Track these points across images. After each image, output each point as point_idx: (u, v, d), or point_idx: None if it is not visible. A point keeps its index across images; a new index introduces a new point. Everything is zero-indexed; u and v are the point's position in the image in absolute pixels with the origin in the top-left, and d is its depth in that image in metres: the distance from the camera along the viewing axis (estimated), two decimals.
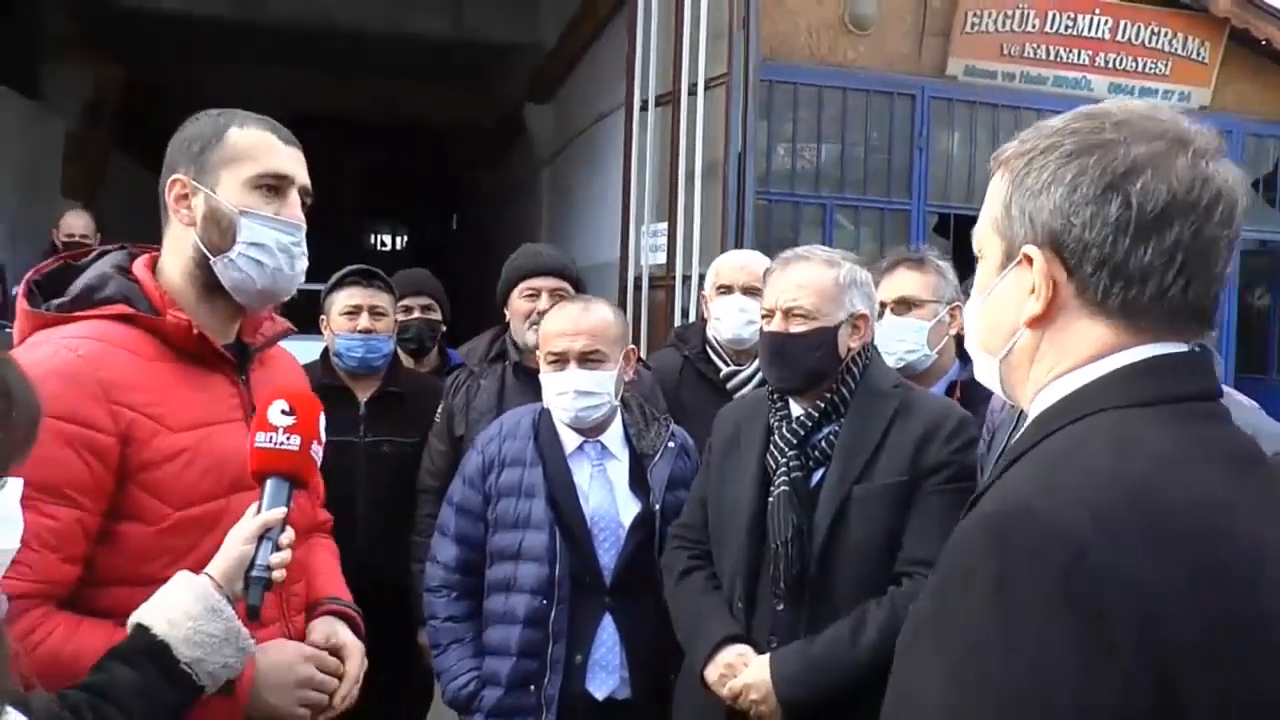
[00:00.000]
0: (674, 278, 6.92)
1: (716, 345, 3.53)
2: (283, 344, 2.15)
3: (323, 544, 2.24)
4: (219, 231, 1.83)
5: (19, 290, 1.84)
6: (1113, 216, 1.10)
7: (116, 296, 1.81)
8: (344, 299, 3.54)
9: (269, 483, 1.73)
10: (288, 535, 1.70)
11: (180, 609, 1.58)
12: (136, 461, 1.70)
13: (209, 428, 1.81)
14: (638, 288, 7.30)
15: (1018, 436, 1.22)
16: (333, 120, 17.49)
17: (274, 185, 1.86)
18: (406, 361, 4.04)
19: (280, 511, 1.70)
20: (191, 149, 1.85)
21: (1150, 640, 0.94)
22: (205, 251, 1.84)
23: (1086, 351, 1.14)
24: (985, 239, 1.24)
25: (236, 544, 1.67)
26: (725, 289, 3.50)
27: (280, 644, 1.84)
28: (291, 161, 1.89)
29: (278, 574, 1.67)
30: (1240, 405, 2.17)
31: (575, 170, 11.20)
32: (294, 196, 1.89)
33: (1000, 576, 0.98)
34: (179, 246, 1.87)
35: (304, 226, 1.91)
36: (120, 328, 1.77)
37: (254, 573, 1.65)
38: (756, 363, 3.25)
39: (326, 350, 3.62)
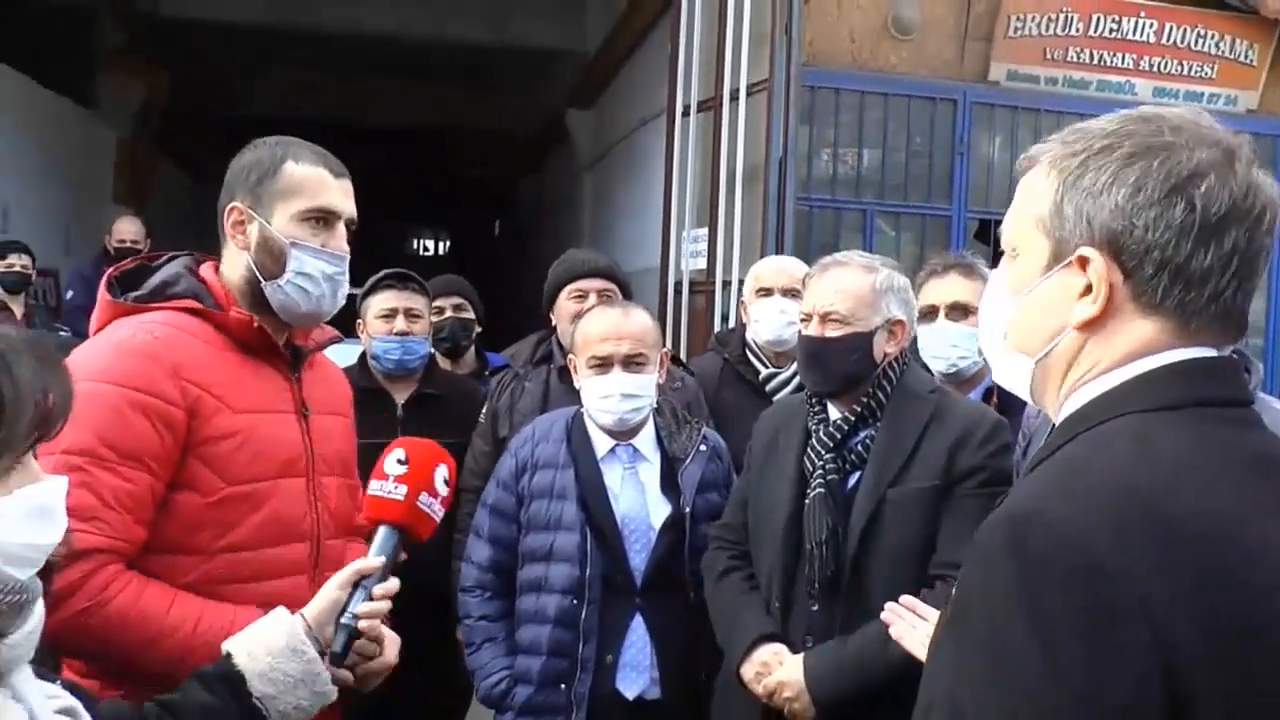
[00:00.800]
0: (714, 283, 6.94)
1: (756, 348, 3.56)
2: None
3: (359, 548, 2.32)
4: (271, 259, 2.01)
5: (100, 285, 2.02)
6: (1177, 219, 1.10)
7: (187, 292, 2.01)
8: (379, 302, 3.59)
9: (379, 530, 1.79)
10: (385, 585, 1.73)
11: (263, 644, 1.61)
12: (199, 435, 1.87)
13: (263, 414, 1.98)
14: (678, 293, 7.32)
15: (1046, 439, 1.23)
16: (377, 126, 17.68)
17: (323, 218, 2.03)
18: (444, 364, 4.07)
19: (377, 560, 1.74)
20: (250, 178, 2.02)
21: (1160, 643, 0.95)
22: (258, 274, 2.02)
23: (1124, 351, 1.15)
24: (1024, 238, 1.22)
25: (332, 588, 1.71)
26: (765, 292, 3.54)
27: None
28: (340, 195, 2.06)
29: (364, 624, 1.70)
30: (1274, 411, 2.17)
31: (617, 176, 11.24)
32: (340, 228, 2.06)
33: (1016, 580, 1.00)
34: (234, 264, 2.06)
35: (348, 256, 2.08)
36: (189, 319, 1.96)
37: (343, 619, 1.68)
38: (796, 365, 3.27)
39: (364, 353, 3.66)
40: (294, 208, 2.01)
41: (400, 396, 3.61)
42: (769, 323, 3.50)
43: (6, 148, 9.51)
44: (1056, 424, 1.22)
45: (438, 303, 4.10)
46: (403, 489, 1.78)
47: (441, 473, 1.83)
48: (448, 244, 30.82)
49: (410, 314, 3.59)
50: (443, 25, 11.99)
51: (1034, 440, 2.46)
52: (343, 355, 3.59)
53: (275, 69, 14.46)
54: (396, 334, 3.55)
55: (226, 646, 1.62)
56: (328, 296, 2.06)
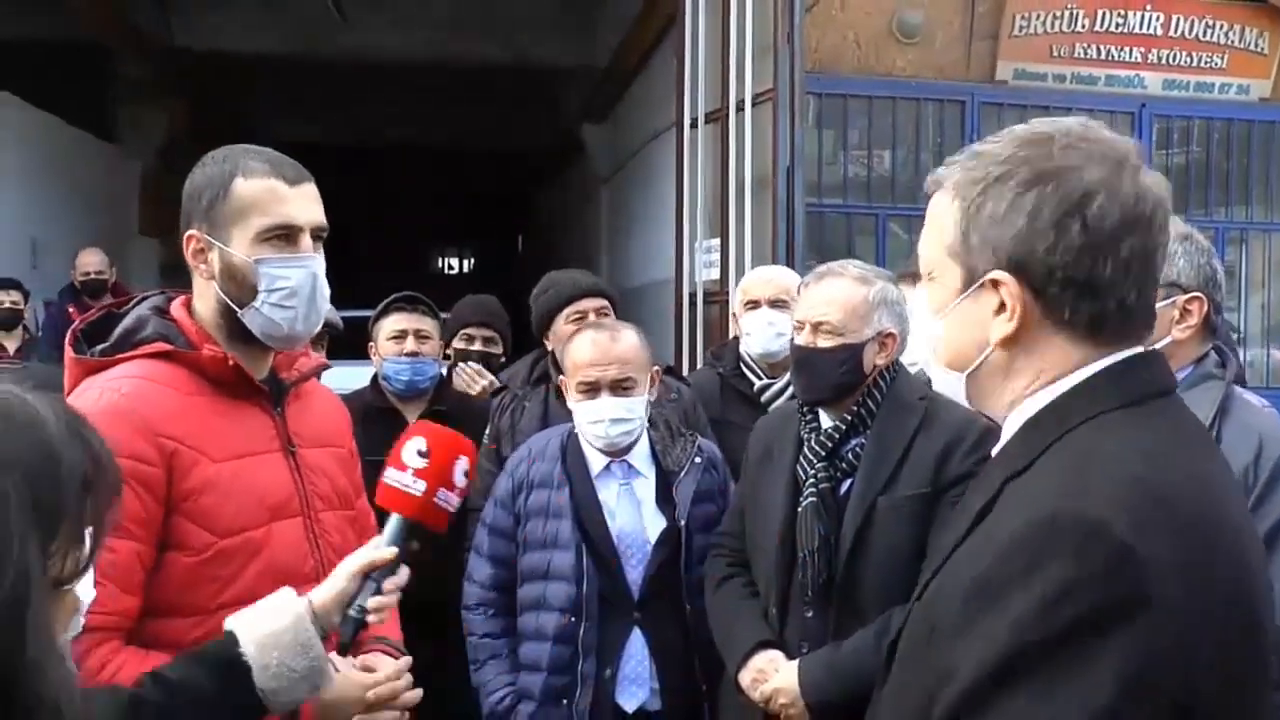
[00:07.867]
0: (728, 293, 6.95)
1: (749, 360, 3.60)
2: (337, 367, 2.22)
3: None
4: (236, 285, 1.86)
5: (67, 340, 1.90)
6: (1075, 240, 1.16)
7: (154, 336, 1.86)
8: (390, 324, 3.67)
9: (390, 519, 1.74)
10: (395, 579, 1.70)
11: (272, 636, 1.57)
12: (180, 491, 1.75)
13: (246, 458, 1.85)
14: (692, 304, 7.36)
15: (1002, 445, 1.27)
16: (397, 147, 17.84)
17: (284, 234, 1.86)
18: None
19: (388, 552, 1.70)
20: (201, 203, 1.88)
21: (1189, 618, 1.02)
22: (229, 303, 1.87)
23: (1060, 367, 1.21)
24: (938, 263, 1.29)
25: (340, 578, 1.68)
26: (753, 304, 3.57)
27: (345, 676, 1.80)
28: (299, 206, 1.88)
29: (374, 617, 1.67)
30: (1250, 406, 2.19)
31: (633, 188, 11.30)
32: (306, 240, 1.89)
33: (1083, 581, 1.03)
34: (204, 295, 1.92)
35: (319, 257, 1.92)
36: (160, 365, 1.83)
37: (350, 611, 1.66)
38: (789, 374, 3.30)
39: (376, 374, 3.74)
40: (252, 228, 1.84)
41: (411, 415, 3.64)
42: (759, 335, 3.53)
43: (32, 183, 9.70)
44: (1013, 430, 1.26)
45: (469, 330, 4.14)
46: (421, 484, 1.73)
47: (462, 465, 1.78)
48: (472, 261, 30.94)
49: (420, 335, 3.66)
50: (457, 46, 12.12)
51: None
52: (355, 377, 3.69)
53: (294, 94, 14.65)
54: (406, 355, 3.62)
55: (230, 625, 1.58)
56: (306, 309, 1.89)
